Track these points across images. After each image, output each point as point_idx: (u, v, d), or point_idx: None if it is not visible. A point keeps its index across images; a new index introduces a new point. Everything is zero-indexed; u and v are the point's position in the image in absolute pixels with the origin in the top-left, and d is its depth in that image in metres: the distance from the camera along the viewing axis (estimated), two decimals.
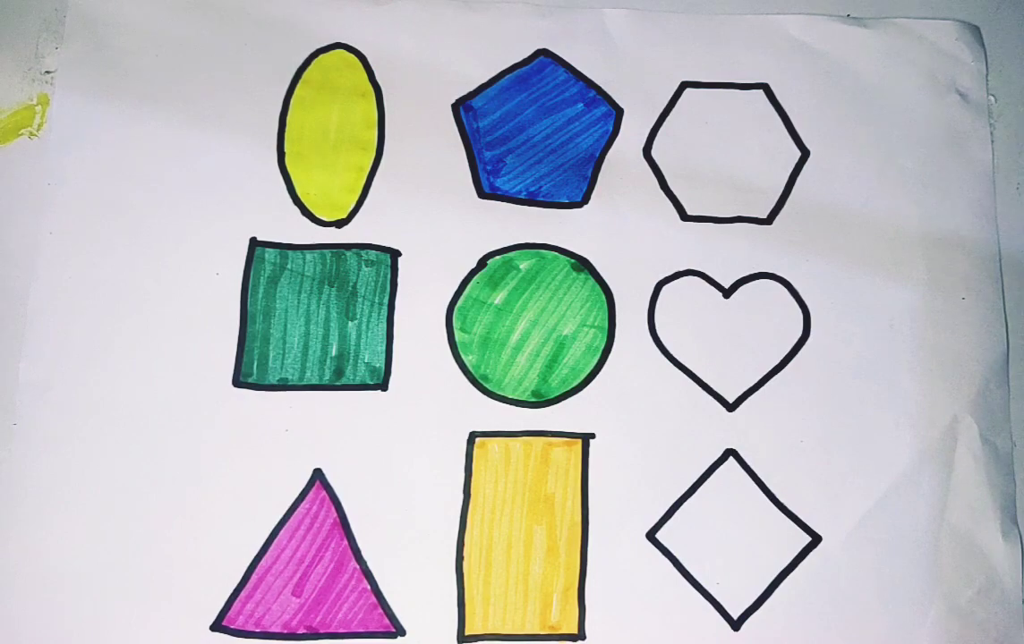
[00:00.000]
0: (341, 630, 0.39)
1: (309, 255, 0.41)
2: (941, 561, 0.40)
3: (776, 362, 0.41)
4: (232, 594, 0.39)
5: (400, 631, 0.39)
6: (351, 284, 0.41)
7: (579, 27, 0.44)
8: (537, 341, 0.41)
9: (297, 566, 0.39)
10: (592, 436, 0.40)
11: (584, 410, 0.41)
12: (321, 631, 0.39)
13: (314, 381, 0.40)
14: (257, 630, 0.38)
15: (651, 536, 0.40)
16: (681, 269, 0.42)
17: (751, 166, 0.43)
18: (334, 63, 0.43)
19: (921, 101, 0.44)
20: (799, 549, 0.40)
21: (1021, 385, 0.41)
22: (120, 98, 0.42)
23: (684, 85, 0.44)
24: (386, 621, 0.39)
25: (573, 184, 0.43)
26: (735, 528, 0.40)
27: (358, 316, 0.41)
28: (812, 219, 0.42)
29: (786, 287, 0.42)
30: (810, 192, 0.43)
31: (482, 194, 0.42)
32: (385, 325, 0.41)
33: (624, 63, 0.44)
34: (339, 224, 0.42)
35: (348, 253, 0.41)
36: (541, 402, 0.41)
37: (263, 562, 0.39)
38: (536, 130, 0.43)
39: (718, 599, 0.39)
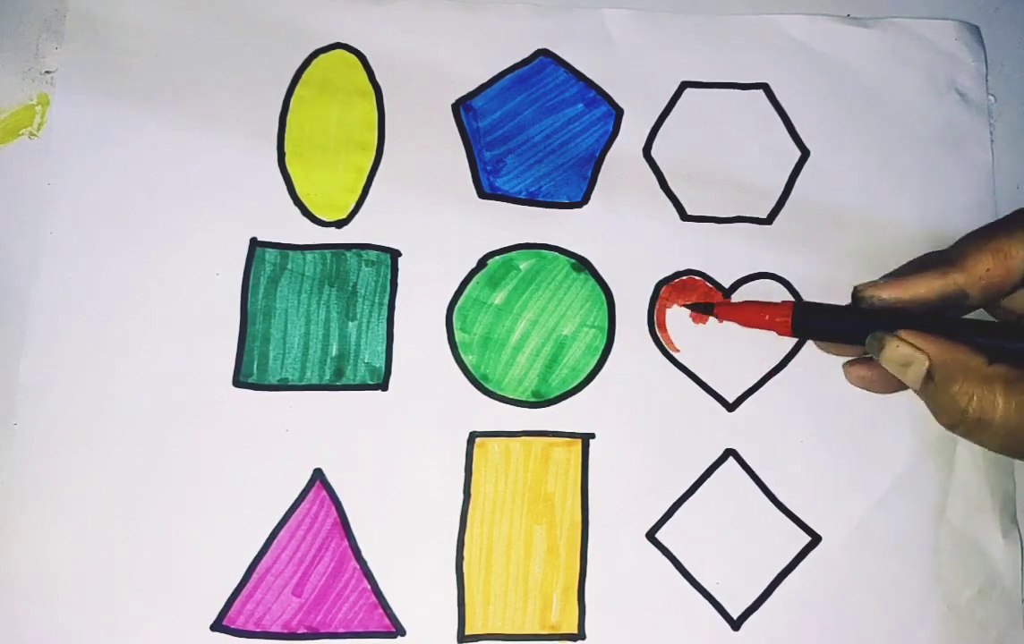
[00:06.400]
0: (341, 630, 0.39)
1: (309, 255, 0.41)
2: (941, 561, 0.40)
3: (776, 362, 0.41)
4: (232, 594, 0.39)
5: (400, 631, 0.39)
6: (351, 284, 0.41)
7: (579, 27, 0.44)
8: (537, 341, 0.41)
9: (297, 566, 0.39)
10: (592, 436, 0.40)
11: (584, 410, 0.41)
12: (321, 631, 0.39)
13: (314, 381, 0.40)
14: (257, 630, 0.38)
15: (651, 536, 0.40)
16: (681, 269, 0.42)
17: (751, 166, 0.43)
18: (334, 63, 0.43)
19: (921, 101, 0.44)
20: (799, 549, 0.40)
21: None
22: (120, 98, 0.42)
23: (684, 85, 0.44)
24: (386, 621, 0.39)
25: (573, 184, 0.43)
26: (735, 528, 0.40)
27: (358, 316, 0.41)
28: (812, 219, 0.42)
29: (786, 287, 0.42)
30: (810, 192, 0.43)
31: (482, 194, 0.42)
32: (385, 325, 0.41)
33: (624, 63, 0.44)
34: (339, 224, 0.42)
35: (348, 253, 0.41)
36: (541, 402, 0.41)
37: (263, 562, 0.39)
38: (536, 130, 0.43)
39: (718, 599, 0.39)
